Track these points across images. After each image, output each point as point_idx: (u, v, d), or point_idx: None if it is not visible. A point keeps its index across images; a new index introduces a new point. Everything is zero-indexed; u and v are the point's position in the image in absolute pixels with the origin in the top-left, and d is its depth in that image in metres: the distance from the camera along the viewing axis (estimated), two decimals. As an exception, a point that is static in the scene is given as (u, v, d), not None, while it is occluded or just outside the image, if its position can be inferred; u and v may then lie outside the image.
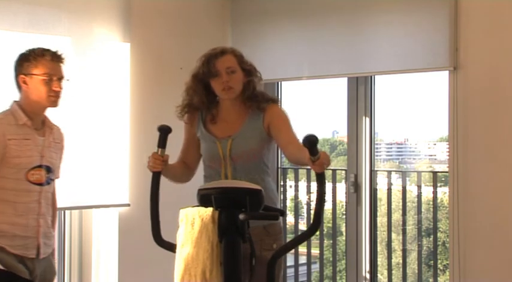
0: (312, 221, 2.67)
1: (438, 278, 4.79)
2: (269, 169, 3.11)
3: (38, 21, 4.14)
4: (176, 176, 3.11)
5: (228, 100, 3.07)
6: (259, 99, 3.07)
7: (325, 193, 2.67)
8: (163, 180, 3.01)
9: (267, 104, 3.07)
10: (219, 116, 3.11)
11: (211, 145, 3.06)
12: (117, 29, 4.52)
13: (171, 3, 4.86)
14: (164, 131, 2.86)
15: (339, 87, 4.86)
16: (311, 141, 2.50)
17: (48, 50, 3.09)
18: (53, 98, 3.06)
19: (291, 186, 5.42)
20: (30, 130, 3.07)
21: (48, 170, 3.10)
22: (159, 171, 2.90)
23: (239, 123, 3.07)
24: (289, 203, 5.53)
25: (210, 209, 2.51)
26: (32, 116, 3.08)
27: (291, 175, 5.34)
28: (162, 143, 2.87)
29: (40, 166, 3.06)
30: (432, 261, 4.82)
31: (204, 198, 2.57)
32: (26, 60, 3.06)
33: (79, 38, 4.34)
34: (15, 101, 3.10)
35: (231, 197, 2.55)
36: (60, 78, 3.08)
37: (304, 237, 2.94)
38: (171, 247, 2.76)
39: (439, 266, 4.85)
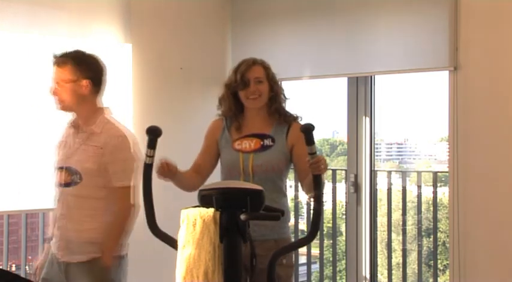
0: (311, 226, 2.68)
1: (438, 278, 4.80)
2: (285, 189, 3.19)
3: (38, 22, 4.14)
4: (183, 183, 3.14)
5: (254, 110, 3.17)
6: (285, 114, 3.18)
7: (322, 195, 2.69)
8: (164, 182, 3.02)
9: (292, 121, 3.16)
10: (244, 125, 3.20)
11: (234, 155, 3.14)
12: (118, 30, 4.52)
13: (171, 4, 4.86)
14: (152, 133, 2.84)
15: (339, 87, 4.87)
16: (307, 129, 2.55)
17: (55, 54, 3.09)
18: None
19: (291, 186, 5.42)
20: (71, 131, 3.12)
21: (72, 171, 3.05)
22: (150, 165, 2.88)
23: None
24: (290, 203, 5.54)
25: (211, 210, 2.51)
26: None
27: (291, 175, 5.33)
28: (152, 145, 2.85)
29: (61, 167, 3.07)
30: (432, 261, 4.83)
31: (205, 199, 2.57)
32: None
33: (80, 39, 4.33)
34: None
35: (232, 198, 2.55)
36: (57, 82, 3.05)
37: (304, 241, 2.99)
38: (166, 238, 2.75)
39: (439, 266, 4.86)
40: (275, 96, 3.17)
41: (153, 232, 2.80)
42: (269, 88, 3.16)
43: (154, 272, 4.33)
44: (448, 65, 4.08)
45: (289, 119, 3.16)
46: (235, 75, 3.16)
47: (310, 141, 2.58)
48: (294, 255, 3.19)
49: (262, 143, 3.13)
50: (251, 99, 3.14)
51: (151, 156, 2.84)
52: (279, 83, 3.25)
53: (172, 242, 2.63)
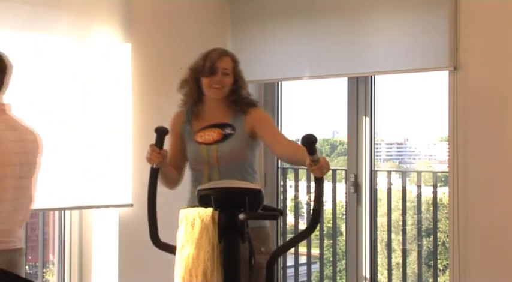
0: (310, 222, 2.69)
1: (438, 278, 4.79)
2: (255, 173, 3.19)
3: (38, 21, 4.14)
4: (171, 176, 3.15)
5: (213, 100, 3.18)
6: (242, 103, 3.19)
7: (323, 194, 2.69)
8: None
9: (249, 108, 3.18)
10: (204, 115, 3.21)
11: (197, 148, 3.15)
12: (118, 30, 4.52)
13: (171, 4, 4.86)
14: (161, 132, 2.89)
15: (339, 87, 4.87)
16: (309, 141, 2.54)
17: None
18: None
19: (291, 186, 5.42)
20: None
21: None
22: (157, 169, 2.91)
23: None
24: (289, 203, 5.53)
25: (210, 210, 2.51)
26: None
27: (291, 175, 5.34)
28: (160, 143, 2.90)
29: None
30: (432, 261, 4.82)
31: (203, 199, 2.58)
32: None
33: (79, 39, 4.33)
34: None
35: (230, 197, 2.55)
36: None
37: (302, 235, 2.98)
38: (168, 248, 2.76)
39: (439, 266, 4.85)
40: (237, 89, 3.19)
41: (155, 244, 2.80)
42: (233, 82, 3.17)
43: (154, 272, 4.33)
44: (448, 65, 4.07)
45: (246, 107, 3.18)
46: (204, 61, 3.16)
47: (312, 151, 2.57)
48: (272, 243, 3.19)
49: (223, 132, 3.14)
50: (213, 88, 3.14)
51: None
52: (245, 79, 3.25)
53: (174, 251, 2.63)
